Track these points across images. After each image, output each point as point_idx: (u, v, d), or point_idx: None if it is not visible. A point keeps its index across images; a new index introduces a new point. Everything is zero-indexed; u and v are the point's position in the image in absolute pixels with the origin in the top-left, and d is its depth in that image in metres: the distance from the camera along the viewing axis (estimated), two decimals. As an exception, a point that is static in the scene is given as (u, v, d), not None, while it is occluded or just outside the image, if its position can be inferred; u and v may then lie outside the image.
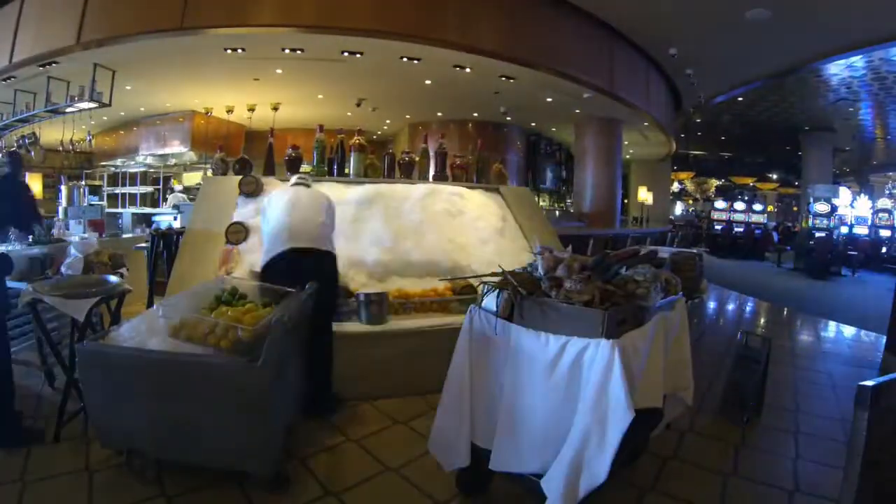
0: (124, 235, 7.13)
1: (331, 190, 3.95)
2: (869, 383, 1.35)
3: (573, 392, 1.73)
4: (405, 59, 5.81)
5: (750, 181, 22.59)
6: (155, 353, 1.97)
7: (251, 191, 3.77)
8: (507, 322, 1.90)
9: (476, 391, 1.97)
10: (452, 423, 1.98)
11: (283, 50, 5.58)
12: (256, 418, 1.95)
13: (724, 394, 3.00)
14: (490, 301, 1.98)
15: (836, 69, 8.57)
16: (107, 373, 1.98)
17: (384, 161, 4.46)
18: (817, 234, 11.53)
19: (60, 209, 9.24)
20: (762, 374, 2.89)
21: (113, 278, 2.75)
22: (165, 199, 10.40)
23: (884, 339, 4.43)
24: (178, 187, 10.65)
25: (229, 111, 9.16)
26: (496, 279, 2.00)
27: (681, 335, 2.22)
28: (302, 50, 5.59)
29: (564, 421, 1.73)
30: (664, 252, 2.98)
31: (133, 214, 9.87)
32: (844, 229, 13.30)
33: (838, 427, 2.86)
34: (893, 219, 13.52)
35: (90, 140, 9.69)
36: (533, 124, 10.91)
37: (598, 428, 1.64)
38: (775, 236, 14.94)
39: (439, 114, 9.83)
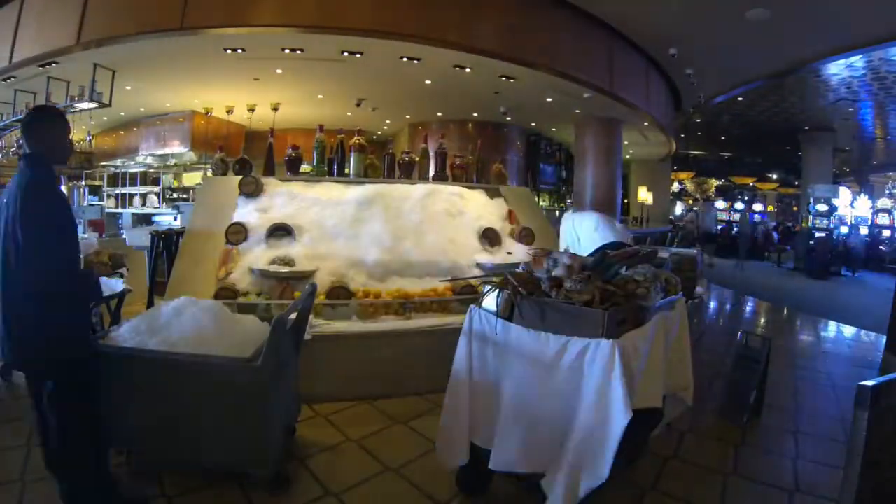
0: (124, 235, 7.14)
1: (330, 190, 3.97)
2: (869, 383, 1.35)
3: (573, 392, 1.73)
4: (405, 59, 5.81)
5: (750, 181, 22.58)
6: (155, 353, 1.97)
7: (251, 191, 3.77)
8: (507, 322, 1.90)
9: (476, 391, 1.97)
10: (452, 423, 1.99)
11: (283, 50, 5.58)
12: (255, 418, 1.95)
13: (724, 394, 3.03)
14: (490, 301, 1.99)
15: (836, 69, 8.56)
16: (107, 373, 1.98)
17: (384, 161, 4.46)
18: (817, 234, 11.53)
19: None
20: (762, 373, 2.90)
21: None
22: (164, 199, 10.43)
23: (884, 339, 4.43)
24: (155, 189, 10.64)
25: (229, 111, 9.15)
26: (496, 279, 2.01)
27: (681, 335, 2.23)
28: (302, 50, 5.59)
29: (564, 421, 1.73)
30: (664, 252, 2.98)
31: (133, 215, 9.87)
32: (844, 229, 13.30)
33: (838, 427, 2.86)
34: (893, 219, 13.51)
35: (90, 140, 9.68)
36: (533, 124, 10.90)
37: (598, 428, 1.65)
38: (775, 236, 14.93)
39: (439, 114, 9.82)
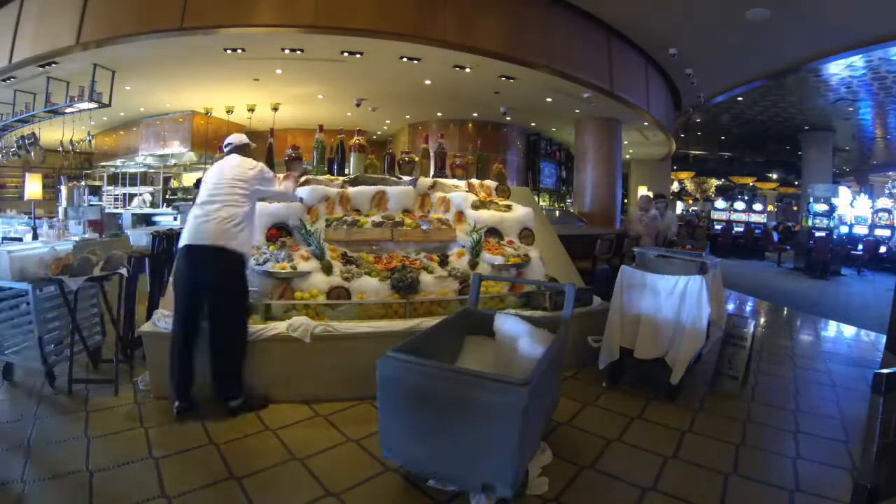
0: (127, 234, 7.15)
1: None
2: (884, 371, 1.51)
3: (681, 306, 3.14)
4: (405, 59, 5.81)
5: (750, 181, 22.59)
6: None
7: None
8: (645, 271, 3.37)
9: (623, 315, 3.31)
10: (611, 335, 3.30)
11: (283, 50, 5.57)
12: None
13: (716, 367, 3.48)
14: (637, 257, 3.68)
15: (836, 69, 8.57)
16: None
17: (384, 161, 4.47)
18: (817, 234, 11.52)
19: (60, 209, 9.24)
20: (749, 349, 3.46)
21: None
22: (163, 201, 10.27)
23: (883, 339, 4.44)
24: (149, 189, 10.20)
25: (229, 111, 9.15)
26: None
27: (720, 284, 3.67)
28: (302, 50, 5.59)
29: (677, 324, 3.15)
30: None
31: (133, 215, 9.87)
32: (844, 229, 13.27)
33: (838, 427, 2.87)
34: (893, 218, 13.49)
35: (90, 140, 9.67)
36: (533, 124, 10.90)
37: (696, 322, 3.09)
38: (775, 236, 14.92)
39: (439, 114, 9.82)
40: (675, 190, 21.06)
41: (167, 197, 10.46)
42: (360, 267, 3.47)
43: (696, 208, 20.78)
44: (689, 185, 22.33)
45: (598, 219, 8.74)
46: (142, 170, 10.78)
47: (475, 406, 1.83)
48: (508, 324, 2.60)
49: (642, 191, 13.42)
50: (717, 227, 15.95)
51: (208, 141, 9.43)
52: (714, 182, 22.40)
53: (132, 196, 10.30)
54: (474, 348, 2.64)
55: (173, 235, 3.79)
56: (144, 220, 9.78)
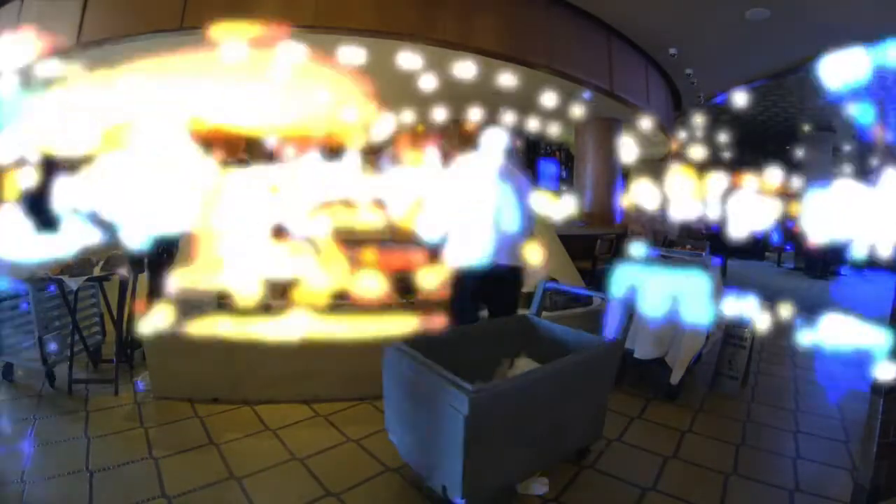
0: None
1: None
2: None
3: (681, 306, 3.10)
4: (405, 60, 5.81)
5: (750, 181, 22.56)
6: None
7: (251, 191, 3.77)
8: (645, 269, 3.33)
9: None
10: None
11: (283, 50, 5.57)
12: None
13: (716, 367, 3.46)
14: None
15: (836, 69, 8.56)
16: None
17: (384, 161, 4.46)
18: (817, 234, 11.50)
19: (60, 209, 9.21)
20: (749, 349, 3.46)
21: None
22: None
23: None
24: None
25: (229, 111, 9.14)
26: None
27: (719, 281, 3.66)
28: (302, 50, 5.59)
29: (677, 324, 3.10)
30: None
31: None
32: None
33: (838, 427, 2.87)
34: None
35: (90, 140, 9.63)
36: (533, 124, 10.90)
37: (696, 322, 3.05)
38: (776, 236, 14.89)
39: (439, 114, 9.82)
40: (675, 190, 21.01)
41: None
42: (361, 267, 3.47)
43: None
44: (689, 185, 22.29)
45: (598, 219, 8.73)
46: (142, 170, 10.77)
47: (438, 404, 1.83)
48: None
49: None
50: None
51: (209, 141, 9.41)
52: (714, 182, 22.34)
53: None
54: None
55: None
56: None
